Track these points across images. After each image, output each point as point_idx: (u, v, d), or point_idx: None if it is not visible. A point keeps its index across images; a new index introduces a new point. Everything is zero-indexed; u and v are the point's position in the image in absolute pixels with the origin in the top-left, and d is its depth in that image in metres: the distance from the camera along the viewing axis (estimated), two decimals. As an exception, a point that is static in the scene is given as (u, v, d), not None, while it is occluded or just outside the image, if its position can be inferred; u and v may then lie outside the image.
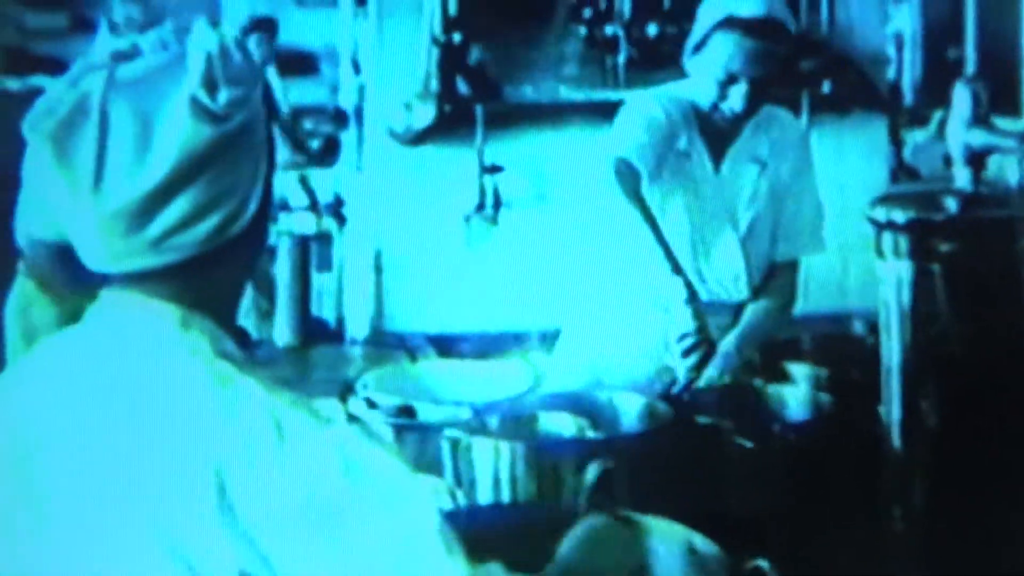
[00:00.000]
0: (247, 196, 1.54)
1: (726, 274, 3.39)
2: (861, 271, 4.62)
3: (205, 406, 1.46)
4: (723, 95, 3.24)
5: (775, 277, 3.43)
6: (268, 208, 1.59)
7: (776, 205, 3.41)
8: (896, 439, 1.99)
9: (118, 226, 1.49)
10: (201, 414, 1.46)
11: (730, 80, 3.22)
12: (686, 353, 3.06)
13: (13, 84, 9.76)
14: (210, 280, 1.55)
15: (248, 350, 1.64)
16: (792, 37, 3.31)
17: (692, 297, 3.08)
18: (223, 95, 1.52)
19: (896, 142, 5.39)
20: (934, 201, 2.09)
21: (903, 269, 2.00)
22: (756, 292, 3.39)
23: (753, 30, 3.19)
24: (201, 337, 1.52)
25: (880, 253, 2.03)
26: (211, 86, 1.52)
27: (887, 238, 2.02)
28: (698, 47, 3.27)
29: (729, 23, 3.20)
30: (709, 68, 3.23)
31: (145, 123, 1.50)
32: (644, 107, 3.33)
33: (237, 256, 1.57)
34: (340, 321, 4.83)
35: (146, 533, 1.45)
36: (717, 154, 3.37)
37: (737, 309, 3.37)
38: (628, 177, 3.19)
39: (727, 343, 3.20)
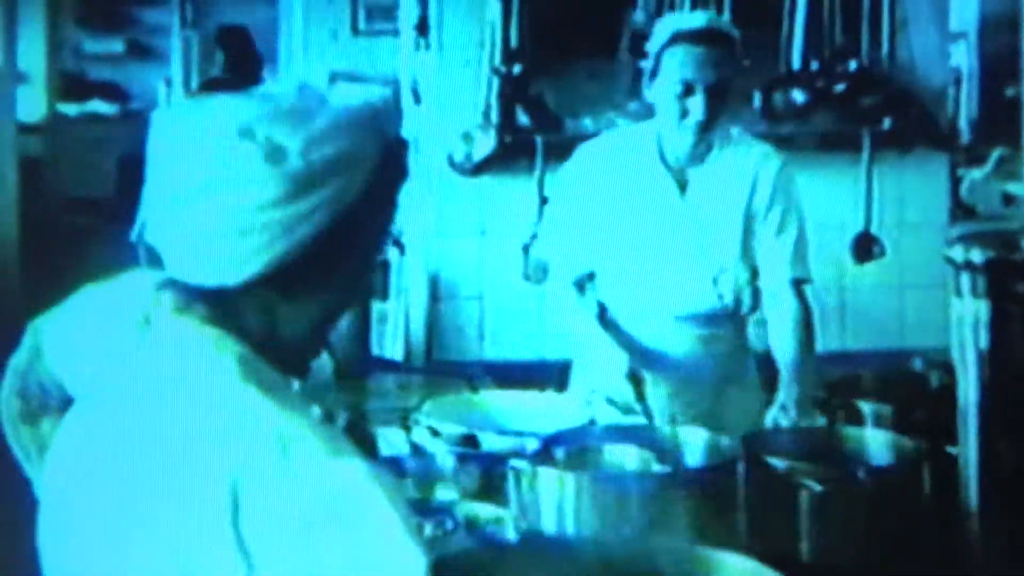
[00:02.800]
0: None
1: (710, 291, 3.43)
2: (920, 307, 4.60)
3: (224, 426, 1.50)
4: (684, 111, 3.32)
5: (780, 299, 3.44)
6: (326, 258, 1.61)
7: (750, 224, 3.42)
8: (973, 481, 1.97)
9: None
10: (220, 434, 1.49)
11: (687, 91, 3.30)
12: None
13: (71, 110, 9.88)
14: (243, 307, 1.59)
15: (304, 379, 1.65)
16: (739, 47, 3.37)
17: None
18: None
19: (953, 179, 5.36)
20: (1010, 241, 2.08)
21: (981, 309, 1.99)
22: (754, 312, 3.45)
23: (700, 38, 3.31)
24: (231, 359, 1.56)
25: (958, 292, 2.02)
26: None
27: (965, 277, 2.01)
28: (653, 73, 3.33)
29: (676, 38, 3.32)
30: (667, 86, 3.32)
31: None
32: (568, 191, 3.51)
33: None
34: (399, 350, 4.84)
35: (159, 548, 1.48)
36: (681, 179, 3.41)
37: (739, 319, 3.45)
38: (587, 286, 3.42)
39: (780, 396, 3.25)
